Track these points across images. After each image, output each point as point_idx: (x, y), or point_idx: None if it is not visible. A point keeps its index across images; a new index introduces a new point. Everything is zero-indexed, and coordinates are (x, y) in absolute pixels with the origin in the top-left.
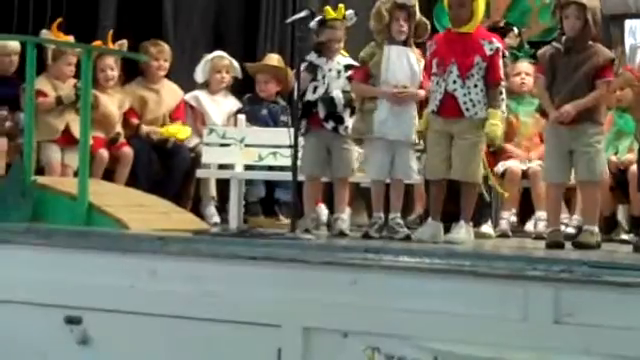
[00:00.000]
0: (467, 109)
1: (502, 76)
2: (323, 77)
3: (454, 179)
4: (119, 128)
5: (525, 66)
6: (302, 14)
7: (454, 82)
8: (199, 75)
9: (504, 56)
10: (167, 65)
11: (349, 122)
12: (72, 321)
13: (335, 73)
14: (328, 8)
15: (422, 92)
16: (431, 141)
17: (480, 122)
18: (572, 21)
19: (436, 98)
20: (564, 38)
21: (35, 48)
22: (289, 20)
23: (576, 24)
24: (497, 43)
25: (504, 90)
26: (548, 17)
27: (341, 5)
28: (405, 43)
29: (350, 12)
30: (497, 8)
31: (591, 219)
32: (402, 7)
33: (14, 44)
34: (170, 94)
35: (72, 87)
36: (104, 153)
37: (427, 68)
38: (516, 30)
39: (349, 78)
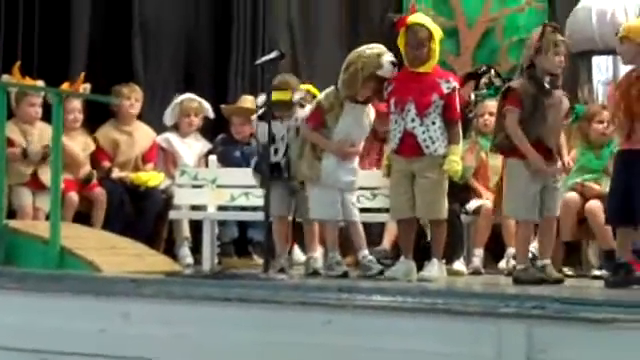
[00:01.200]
0: (427, 146)
1: (459, 113)
2: (282, 139)
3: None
4: (88, 168)
5: (491, 105)
6: (272, 55)
7: (412, 120)
8: (167, 118)
9: (477, 96)
10: (139, 105)
11: None
12: None
13: (294, 133)
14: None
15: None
16: (393, 181)
17: (441, 159)
18: (560, 59)
19: (395, 137)
20: (548, 77)
21: (5, 93)
22: (259, 62)
23: (562, 62)
24: (454, 82)
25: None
26: (516, 54)
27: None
28: (366, 101)
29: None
30: (466, 47)
31: (549, 254)
32: (379, 79)
33: None
34: (142, 136)
35: (41, 147)
36: (74, 196)
37: (385, 108)
38: (493, 72)
39: None
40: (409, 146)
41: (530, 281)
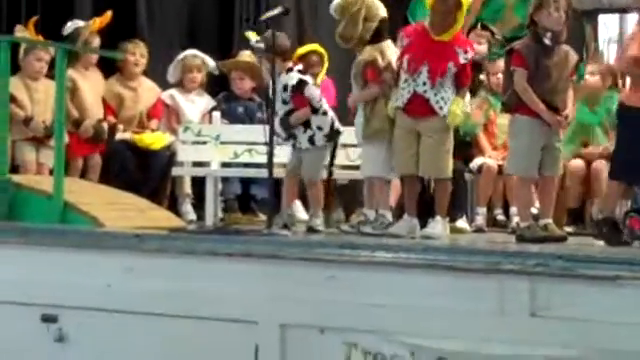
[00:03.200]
0: (440, 107)
1: (470, 80)
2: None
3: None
4: (91, 123)
5: (502, 64)
6: (276, 11)
7: (424, 84)
8: (171, 75)
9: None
10: (144, 61)
11: (302, 137)
12: (48, 319)
13: (281, 87)
14: None
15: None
16: (397, 137)
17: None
18: (560, 15)
19: (403, 96)
20: (549, 34)
21: (9, 47)
22: (263, 17)
23: (562, 18)
24: (471, 52)
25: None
26: (522, 12)
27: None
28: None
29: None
30: (473, 5)
31: (550, 212)
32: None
33: None
34: (147, 92)
35: (41, 122)
36: (79, 163)
37: (397, 60)
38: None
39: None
40: (418, 106)
41: (533, 239)
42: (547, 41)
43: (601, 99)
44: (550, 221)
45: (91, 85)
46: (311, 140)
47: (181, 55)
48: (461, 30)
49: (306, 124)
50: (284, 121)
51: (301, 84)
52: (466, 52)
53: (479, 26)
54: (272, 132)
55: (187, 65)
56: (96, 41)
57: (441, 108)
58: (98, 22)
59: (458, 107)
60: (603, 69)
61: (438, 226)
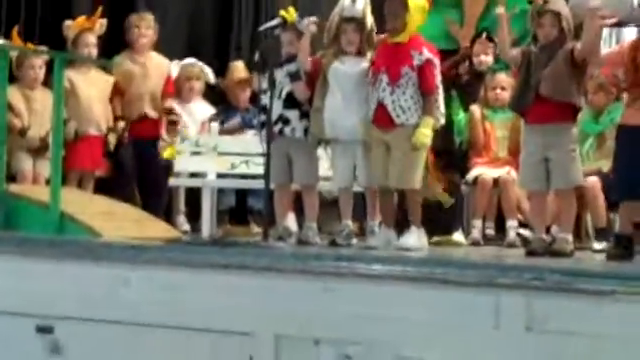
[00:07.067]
0: (397, 116)
1: (436, 84)
2: (279, 83)
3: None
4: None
5: (502, 79)
6: (274, 22)
7: (383, 90)
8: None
9: (488, 69)
10: (151, 33)
11: (297, 124)
12: (44, 330)
13: (289, 77)
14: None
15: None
16: (371, 149)
17: (413, 129)
18: (547, 30)
19: (370, 107)
20: (538, 45)
21: (5, 58)
22: (262, 28)
23: (552, 32)
24: (427, 54)
25: (440, 98)
26: (518, 26)
27: (290, 8)
28: (360, 54)
29: (297, 18)
30: (471, 16)
31: (567, 227)
32: (350, 20)
33: None
34: (157, 68)
35: (37, 135)
36: (76, 175)
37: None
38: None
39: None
40: (381, 116)
41: (534, 252)
42: (534, 48)
43: (605, 111)
44: (563, 235)
45: (92, 87)
46: (306, 131)
47: (180, 64)
48: (416, 32)
49: (304, 114)
50: (296, 74)
51: None
52: (421, 53)
53: (484, 36)
54: (269, 143)
55: (186, 74)
56: (90, 39)
57: (398, 116)
58: (83, 19)
59: (425, 127)
60: (603, 84)
61: (413, 236)
